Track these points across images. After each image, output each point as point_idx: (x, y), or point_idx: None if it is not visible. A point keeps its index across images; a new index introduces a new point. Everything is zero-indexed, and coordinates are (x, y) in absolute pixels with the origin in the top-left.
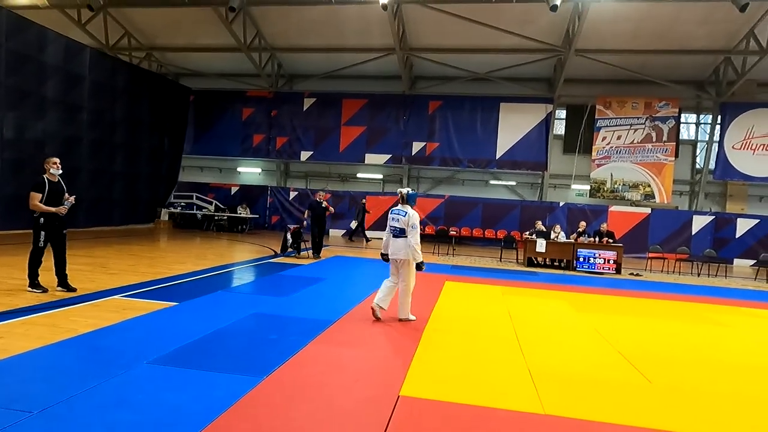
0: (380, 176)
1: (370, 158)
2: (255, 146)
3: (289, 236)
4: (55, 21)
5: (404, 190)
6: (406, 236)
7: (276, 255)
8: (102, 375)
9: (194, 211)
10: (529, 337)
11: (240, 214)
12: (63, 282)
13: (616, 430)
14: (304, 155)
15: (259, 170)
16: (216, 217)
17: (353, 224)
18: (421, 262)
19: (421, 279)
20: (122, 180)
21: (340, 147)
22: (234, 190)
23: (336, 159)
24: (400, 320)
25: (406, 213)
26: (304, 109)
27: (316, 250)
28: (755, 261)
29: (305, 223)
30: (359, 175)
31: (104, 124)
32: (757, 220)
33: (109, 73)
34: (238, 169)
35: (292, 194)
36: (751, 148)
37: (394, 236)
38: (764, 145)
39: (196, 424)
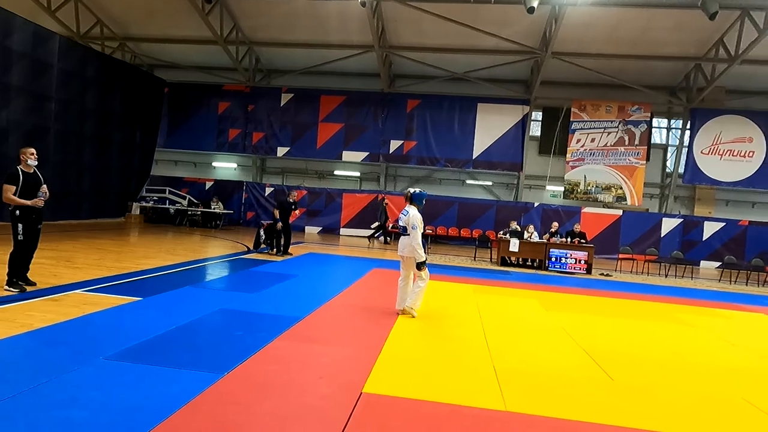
0: (357, 174)
1: (348, 155)
2: (231, 141)
3: (262, 232)
4: (23, 6)
5: (411, 190)
6: (407, 234)
7: (249, 251)
8: (54, 371)
9: (167, 206)
10: (497, 335)
11: (213, 209)
12: (23, 276)
13: (573, 425)
14: (281, 151)
15: (234, 165)
16: (189, 212)
17: (375, 225)
18: (422, 262)
19: (393, 277)
20: (91, 172)
21: (318, 143)
22: (209, 185)
23: (313, 156)
24: (404, 309)
25: (408, 213)
26: (282, 104)
27: (284, 249)
28: (720, 263)
29: (279, 224)
30: (336, 172)
31: (73, 114)
32: (723, 224)
33: (80, 62)
34: (213, 164)
35: (268, 190)
36: (718, 154)
37: (402, 234)
38: (731, 150)
39: (148, 421)
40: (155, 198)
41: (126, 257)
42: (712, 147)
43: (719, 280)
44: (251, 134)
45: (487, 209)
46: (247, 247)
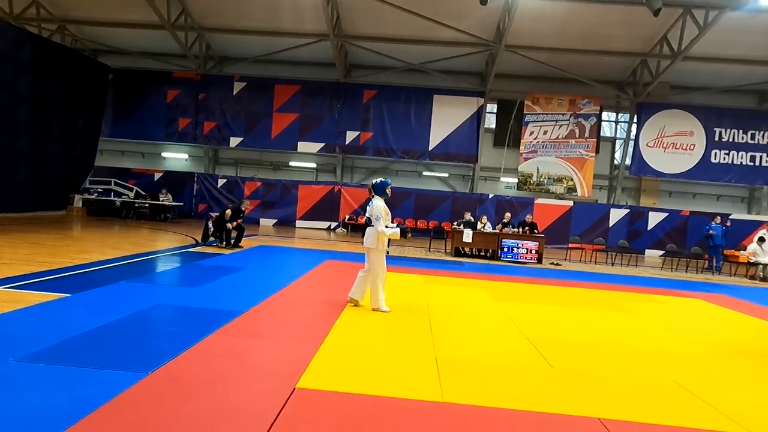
0: (314, 165)
1: (303, 146)
2: (181, 130)
3: (210, 224)
4: None
5: (374, 181)
6: (372, 226)
7: (197, 244)
8: None
9: (112, 198)
10: (443, 326)
11: (162, 201)
12: None
13: (504, 413)
14: (234, 141)
15: (185, 156)
16: (137, 205)
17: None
18: (403, 229)
19: (344, 268)
20: (28, 162)
21: (272, 134)
22: (158, 176)
23: (267, 146)
24: (374, 310)
25: (372, 203)
26: (234, 93)
27: (235, 242)
28: (663, 252)
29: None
30: (292, 163)
31: (5, 99)
32: (667, 214)
33: (13, 45)
34: (163, 155)
35: (221, 182)
36: (662, 147)
37: (368, 225)
38: (674, 144)
39: (52, 427)
40: (100, 190)
41: (62, 252)
42: (657, 140)
43: (662, 268)
44: (202, 124)
45: (443, 200)
46: (195, 240)
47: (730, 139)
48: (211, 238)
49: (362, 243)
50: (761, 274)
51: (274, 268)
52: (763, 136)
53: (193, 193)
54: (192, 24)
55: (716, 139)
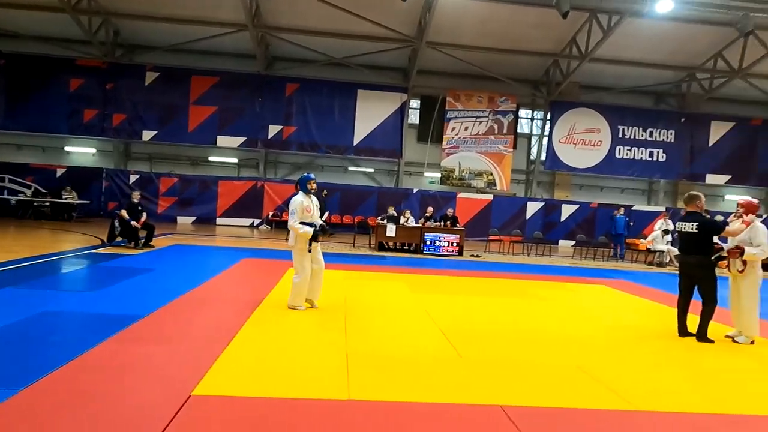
0: (235, 160)
1: (223, 141)
2: (86, 123)
3: (117, 223)
4: None
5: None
6: None
7: (103, 244)
8: None
9: (6, 197)
10: (358, 321)
11: (65, 199)
12: None
13: (409, 407)
14: (147, 135)
15: (93, 150)
16: (35, 204)
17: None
18: (315, 231)
19: (262, 267)
20: None
21: (189, 127)
22: (60, 172)
23: (184, 140)
24: (289, 308)
25: (292, 199)
26: (147, 83)
27: (145, 241)
28: (574, 242)
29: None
30: (212, 158)
31: None
32: (577, 206)
33: None
34: (67, 149)
35: (133, 178)
36: (573, 143)
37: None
38: (583, 140)
39: None
40: None
41: None
42: (568, 137)
43: (572, 257)
44: (111, 116)
45: (369, 195)
46: (101, 240)
47: (632, 137)
48: (119, 238)
49: (287, 240)
50: (658, 260)
51: (185, 269)
52: (659, 134)
53: (102, 190)
54: (96, 8)
55: (620, 136)
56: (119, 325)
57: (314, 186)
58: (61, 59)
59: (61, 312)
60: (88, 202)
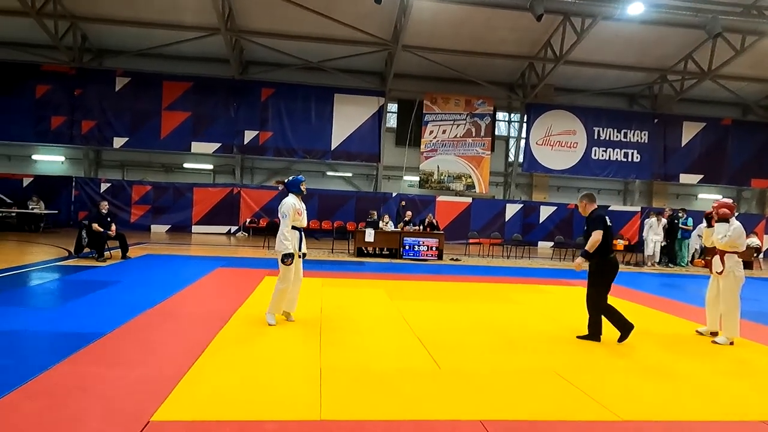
0: (210, 166)
1: (198, 147)
2: (54, 130)
3: (84, 234)
4: None
5: (286, 180)
6: None
7: (70, 256)
8: None
9: None
10: (334, 332)
11: (32, 209)
12: None
13: (385, 426)
14: (118, 142)
15: (62, 158)
16: (1, 214)
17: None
18: (286, 255)
19: (237, 276)
20: None
21: (162, 133)
22: (27, 181)
23: (157, 147)
24: (267, 315)
25: (282, 202)
26: (117, 89)
27: (122, 252)
28: (553, 243)
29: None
30: (186, 165)
31: None
32: (555, 207)
33: None
34: (34, 157)
35: (104, 186)
36: (549, 145)
37: None
38: (559, 142)
39: None
40: None
41: None
42: (545, 139)
43: (551, 258)
44: (80, 122)
45: (347, 200)
46: (68, 251)
47: (607, 138)
48: (86, 249)
49: (265, 247)
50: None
51: (155, 281)
52: (633, 135)
53: (72, 199)
54: (62, 11)
55: (595, 137)
56: (78, 344)
57: (305, 188)
58: (26, 65)
59: (17, 331)
60: (56, 212)
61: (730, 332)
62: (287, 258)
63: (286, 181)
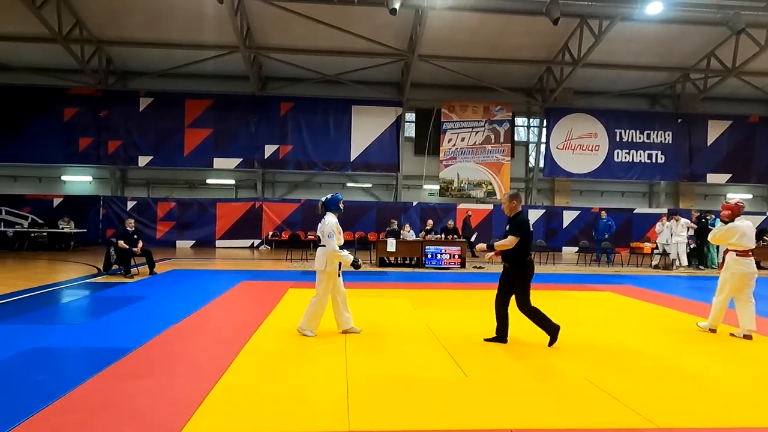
0: (233, 182)
1: (220, 162)
2: (82, 151)
3: (113, 251)
4: None
5: (323, 198)
6: (323, 245)
7: (99, 273)
8: None
9: (3, 229)
10: (359, 343)
11: (62, 229)
12: None
13: None
14: (143, 160)
15: (89, 178)
16: (33, 234)
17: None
18: (355, 260)
19: (261, 289)
20: None
21: (185, 151)
22: (57, 201)
23: (181, 164)
24: (299, 330)
25: (324, 221)
26: (141, 109)
27: (150, 269)
28: (578, 248)
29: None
30: (209, 180)
31: None
32: (579, 212)
33: None
34: (63, 178)
35: (131, 204)
36: (571, 148)
37: (318, 245)
38: (581, 145)
39: None
40: None
41: None
42: (565, 142)
43: (576, 264)
44: (106, 143)
45: (368, 211)
46: (98, 269)
47: (630, 139)
48: (115, 266)
49: (288, 260)
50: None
51: (181, 295)
52: (657, 136)
53: (100, 217)
54: (88, 36)
55: (617, 139)
56: (108, 359)
57: (343, 206)
58: (54, 89)
59: (49, 348)
60: (85, 230)
61: (742, 323)
62: (357, 261)
63: (324, 200)
